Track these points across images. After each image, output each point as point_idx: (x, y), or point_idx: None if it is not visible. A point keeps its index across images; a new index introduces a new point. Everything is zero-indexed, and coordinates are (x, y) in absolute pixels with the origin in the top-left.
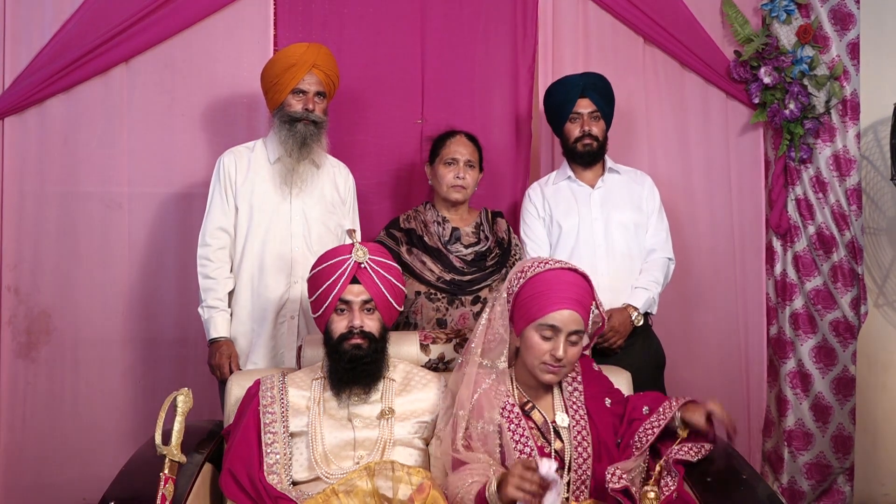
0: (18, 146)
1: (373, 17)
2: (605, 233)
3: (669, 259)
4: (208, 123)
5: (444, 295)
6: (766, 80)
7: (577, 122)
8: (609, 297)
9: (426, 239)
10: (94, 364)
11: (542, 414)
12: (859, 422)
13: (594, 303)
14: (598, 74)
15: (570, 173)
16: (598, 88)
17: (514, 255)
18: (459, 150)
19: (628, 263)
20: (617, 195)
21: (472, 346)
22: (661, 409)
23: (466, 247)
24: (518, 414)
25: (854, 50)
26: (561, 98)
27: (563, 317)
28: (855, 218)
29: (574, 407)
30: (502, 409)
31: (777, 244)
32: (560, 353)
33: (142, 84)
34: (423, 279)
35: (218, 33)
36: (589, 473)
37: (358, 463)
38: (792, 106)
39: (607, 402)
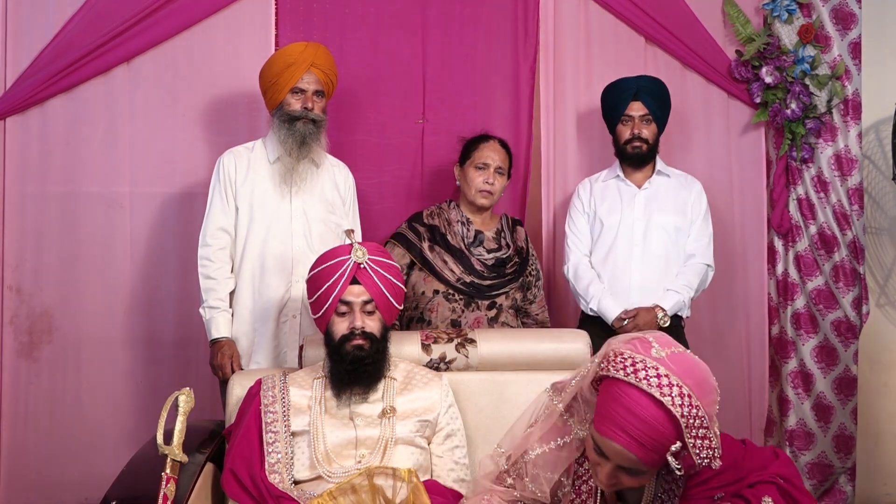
0: (20, 146)
1: (374, 17)
2: (644, 233)
3: (708, 266)
4: (210, 123)
5: (461, 297)
6: (768, 79)
7: (629, 124)
8: (640, 297)
9: (449, 238)
10: (95, 364)
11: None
12: (861, 422)
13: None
14: (654, 78)
15: (620, 172)
16: (651, 92)
17: (531, 265)
18: (492, 155)
19: (663, 265)
20: (663, 197)
21: (567, 391)
22: None
23: (488, 251)
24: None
25: (855, 49)
26: (614, 100)
27: (609, 448)
28: (856, 218)
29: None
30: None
31: (779, 244)
32: (599, 477)
33: (143, 84)
34: (442, 278)
35: (219, 33)
36: None
37: (359, 462)
38: (793, 105)
39: (716, 497)
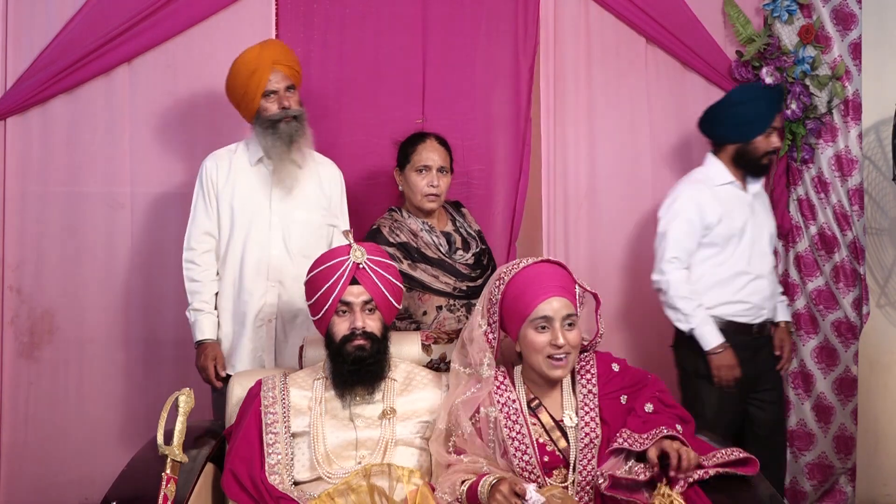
0: (21, 146)
1: (374, 17)
2: (769, 239)
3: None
4: (210, 123)
5: (461, 305)
6: (768, 80)
7: (772, 136)
8: (770, 304)
9: (425, 251)
10: (96, 364)
11: (549, 413)
12: (861, 422)
13: (577, 285)
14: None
15: (733, 178)
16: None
17: (486, 245)
18: (431, 156)
19: (773, 270)
20: (760, 202)
21: (455, 365)
22: (653, 433)
23: (466, 250)
24: (518, 410)
25: (856, 50)
26: (762, 109)
27: (553, 305)
28: (857, 218)
29: (586, 408)
30: (502, 404)
31: (779, 244)
32: (560, 340)
33: (144, 84)
34: (440, 292)
35: (219, 33)
36: (594, 475)
37: (360, 463)
38: (794, 106)
39: (622, 399)
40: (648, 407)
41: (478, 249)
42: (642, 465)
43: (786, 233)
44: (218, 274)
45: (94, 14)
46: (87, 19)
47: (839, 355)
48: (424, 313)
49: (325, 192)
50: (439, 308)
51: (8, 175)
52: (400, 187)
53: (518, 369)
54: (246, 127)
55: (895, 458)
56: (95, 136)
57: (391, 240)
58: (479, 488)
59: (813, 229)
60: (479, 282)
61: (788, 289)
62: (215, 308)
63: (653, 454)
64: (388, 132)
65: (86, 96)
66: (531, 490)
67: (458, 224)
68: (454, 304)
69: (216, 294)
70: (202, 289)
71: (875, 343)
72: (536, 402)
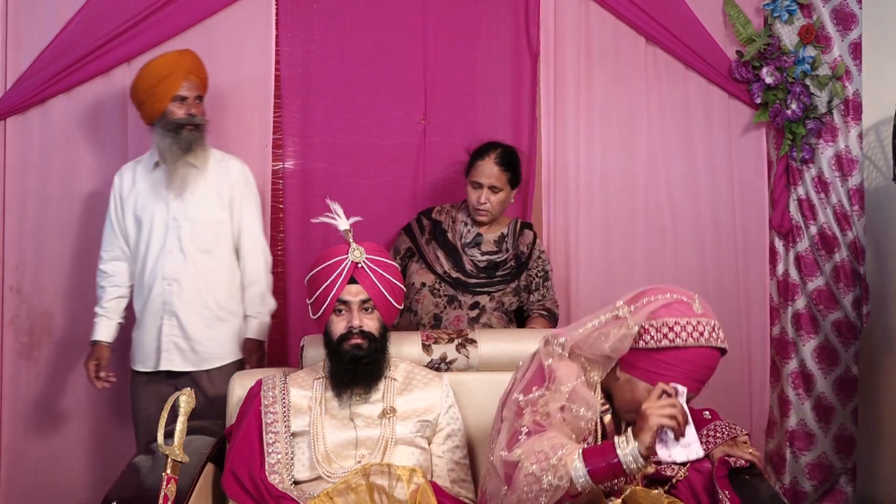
0: (21, 146)
1: (375, 17)
2: None
3: None
4: (209, 124)
5: (445, 293)
6: (769, 80)
7: None
8: None
9: (449, 235)
10: None
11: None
12: (861, 422)
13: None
14: None
15: None
16: None
17: (532, 269)
18: (485, 173)
19: None
20: None
21: (568, 337)
22: (716, 435)
23: (483, 254)
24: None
25: (856, 50)
26: None
27: (682, 391)
28: (857, 218)
29: None
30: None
31: (779, 244)
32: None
33: None
34: (432, 270)
35: (219, 33)
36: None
37: (359, 462)
38: (794, 106)
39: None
40: (706, 414)
41: (500, 259)
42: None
43: (786, 233)
44: (131, 279)
45: (94, 14)
46: (87, 19)
47: (839, 355)
48: (412, 284)
49: (227, 189)
50: (423, 284)
51: (7, 175)
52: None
53: (599, 383)
54: (246, 127)
55: (895, 458)
56: (95, 136)
57: (434, 215)
58: (615, 440)
59: (813, 229)
60: (473, 280)
61: (788, 289)
62: (120, 313)
63: (719, 453)
64: (389, 133)
65: (86, 96)
66: (678, 387)
67: (506, 238)
68: (438, 289)
69: (119, 299)
70: (104, 294)
71: (875, 343)
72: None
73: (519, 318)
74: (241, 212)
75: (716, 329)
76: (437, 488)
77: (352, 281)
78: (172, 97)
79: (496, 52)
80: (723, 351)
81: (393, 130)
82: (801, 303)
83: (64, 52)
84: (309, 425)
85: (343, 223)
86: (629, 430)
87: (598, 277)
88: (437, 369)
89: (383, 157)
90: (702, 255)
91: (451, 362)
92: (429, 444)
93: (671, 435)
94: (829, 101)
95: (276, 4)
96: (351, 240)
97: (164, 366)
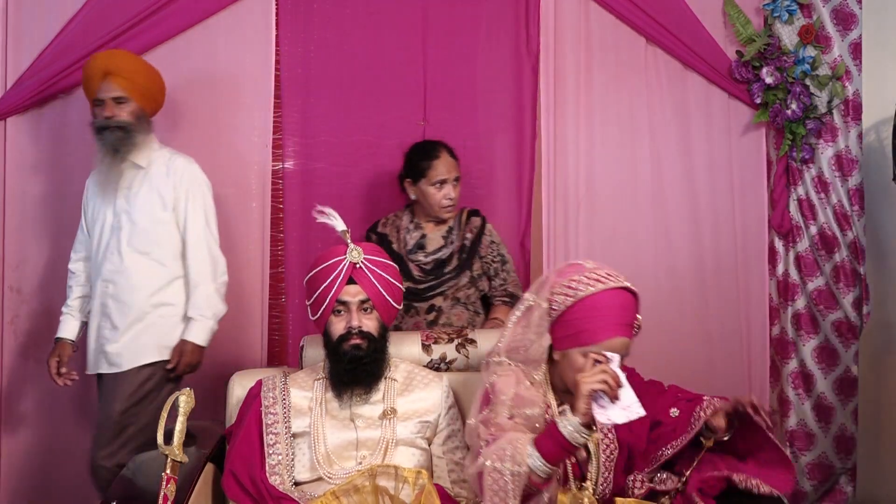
0: (21, 146)
1: (374, 18)
2: None
3: None
4: (209, 124)
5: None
6: (768, 80)
7: None
8: None
9: (394, 246)
10: None
11: None
12: (861, 422)
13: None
14: None
15: None
16: None
17: (485, 256)
18: (446, 168)
19: None
20: None
21: (500, 345)
22: (690, 421)
23: (427, 255)
24: (551, 416)
25: (856, 50)
26: None
27: (615, 344)
28: (857, 218)
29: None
30: (547, 408)
31: (779, 244)
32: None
33: None
34: None
35: (219, 34)
36: (610, 485)
37: (360, 463)
38: (794, 106)
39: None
40: (674, 412)
41: (445, 256)
42: (668, 473)
43: (786, 233)
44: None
45: (94, 15)
46: (87, 20)
47: (839, 355)
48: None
49: (170, 190)
50: None
51: (8, 175)
52: (413, 196)
53: (543, 371)
54: (246, 128)
55: (895, 458)
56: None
57: (379, 229)
58: (555, 419)
59: (813, 229)
60: (423, 286)
61: (788, 289)
62: (85, 311)
63: (721, 422)
64: (389, 133)
65: (85, 97)
66: (609, 354)
67: (452, 231)
68: None
69: (84, 298)
70: (70, 293)
71: (875, 343)
72: (564, 410)
73: (486, 307)
74: (185, 212)
75: (612, 273)
76: (441, 491)
77: (350, 281)
78: (92, 100)
79: (496, 52)
80: (632, 292)
81: (393, 130)
82: (801, 303)
83: (64, 52)
84: (309, 426)
85: (340, 224)
86: (567, 406)
87: None
88: (437, 369)
89: (383, 157)
90: (701, 255)
91: (450, 362)
92: (429, 445)
93: (607, 399)
94: (829, 101)
95: (276, 4)
96: (349, 240)
97: (92, 369)
